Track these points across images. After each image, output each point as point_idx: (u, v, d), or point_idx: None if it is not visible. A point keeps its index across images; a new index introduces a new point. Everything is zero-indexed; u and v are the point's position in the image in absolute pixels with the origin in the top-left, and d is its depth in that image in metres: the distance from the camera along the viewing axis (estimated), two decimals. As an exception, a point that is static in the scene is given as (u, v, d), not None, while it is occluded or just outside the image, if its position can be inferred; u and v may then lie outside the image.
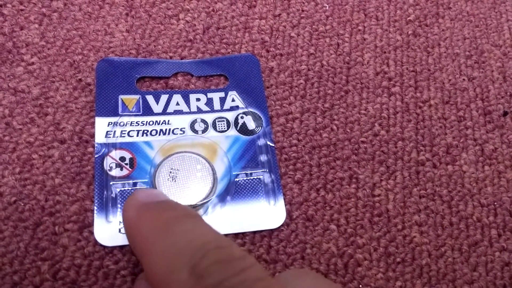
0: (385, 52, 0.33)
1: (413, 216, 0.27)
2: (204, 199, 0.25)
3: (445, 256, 0.26)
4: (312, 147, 0.28)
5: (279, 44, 0.32)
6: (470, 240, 0.26)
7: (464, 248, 0.26)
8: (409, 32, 0.34)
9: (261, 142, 0.28)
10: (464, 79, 0.33)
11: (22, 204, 0.24)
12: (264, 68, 0.31)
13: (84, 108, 0.28)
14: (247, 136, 0.28)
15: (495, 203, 0.28)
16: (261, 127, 0.28)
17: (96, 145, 0.26)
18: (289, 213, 0.26)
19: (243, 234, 0.25)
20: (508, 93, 0.32)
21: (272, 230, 0.26)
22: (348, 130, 0.29)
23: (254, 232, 0.25)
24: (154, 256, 0.16)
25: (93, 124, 0.27)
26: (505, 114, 0.31)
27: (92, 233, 0.24)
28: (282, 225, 0.26)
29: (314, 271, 0.24)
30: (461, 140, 0.30)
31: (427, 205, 0.27)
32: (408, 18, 0.35)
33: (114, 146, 0.26)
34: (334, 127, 0.29)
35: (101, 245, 0.24)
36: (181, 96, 0.29)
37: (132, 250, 0.19)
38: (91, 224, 0.24)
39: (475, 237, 0.27)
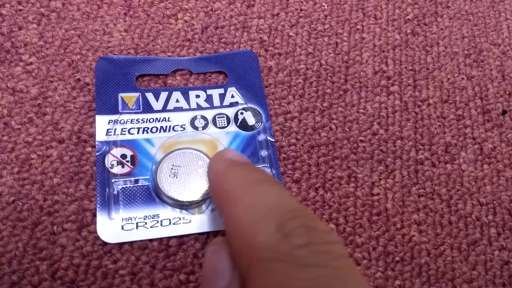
0: (383, 51, 0.33)
1: (412, 215, 0.27)
2: (206, 194, 0.25)
3: (444, 255, 0.26)
4: (311, 146, 0.28)
5: (277, 43, 0.32)
6: (469, 239, 0.26)
7: (463, 247, 0.26)
8: (408, 31, 0.34)
9: (261, 137, 0.28)
10: (463, 78, 0.33)
11: (21, 204, 0.24)
12: (263, 68, 0.31)
13: (82, 107, 0.28)
14: (247, 132, 0.28)
15: (494, 202, 0.28)
16: (261, 122, 0.28)
17: (97, 143, 0.26)
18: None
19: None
20: (507, 92, 0.32)
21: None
22: (347, 129, 0.29)
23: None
24: (242, 206, 0.17)
25: (91, 123, 0.27)
26: (504, 112, 0.31)
27: (91, 232, 0.24)
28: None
29: None
30: (460, 139, 0.30)
31: (426, 204, 0.27)
32: (407, 17, 0.35)
33: (115, 143, 0.26)
34: (333, 126, 0.29)
35: (101, 243, 0.24)
36: (181, 93, 0.29)
37: (214, 201, 0.20)
38: (89, 224, 0.24)
39: (474, 236, 0.27)
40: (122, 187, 0.25)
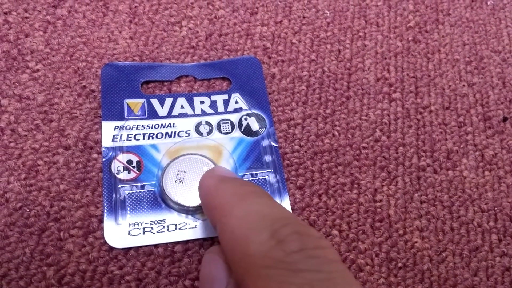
0: (385, 58, 0.33)
1: (414, 221, 0.27)
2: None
3: (446, 261, 0.26)
4: (314, 153, 0.29)
5: (280, 50, 0.33)
6: (470, 245, 0.27)
7: (465, 253, 0.26)
8: (409, 38, 0.35)
9: (265, 143, 0.28)
10: (464, 85, 0.33)
11: (28, 210, 0.25)
12: (266, 74, 0.31)
13: (88, 114, 0.28)
14: (251, 137, 0.28)
15: (496, 209, 0.28)
16: (265, 128, 0.29)
17: (103, 149, 0.26)
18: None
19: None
20: (507, 99, 0.32)
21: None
22: (350, 136, 0.30)
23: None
24: (235, 218, 0.17)
25: (97, 130, 0.28)
26: (504, 119, 0.32)
27: (97, 238, 0.24)
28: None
29: None
30: (462, 146, 0.30)
31: (428, 210, 0.28)
32: (408, 25, 0.36)
33: (121, 149, 0.27)
34: (336, 133, 0.30)
35: (107, 249, 0.24)
36: (185, 99, 0.29)
37: (207, 214, 0.21)
38: (95, 230, 0.25)
39: (475, 242, 0.27)
40: (129, 193, 0.25)
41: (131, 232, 0.24)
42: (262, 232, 0.16)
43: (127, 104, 0.28)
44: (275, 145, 0.28)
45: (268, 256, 0.15)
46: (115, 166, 0.26)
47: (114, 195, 0.25)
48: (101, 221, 0.25)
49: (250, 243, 0.16)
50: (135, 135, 0.27)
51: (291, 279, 0.15)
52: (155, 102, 0.29)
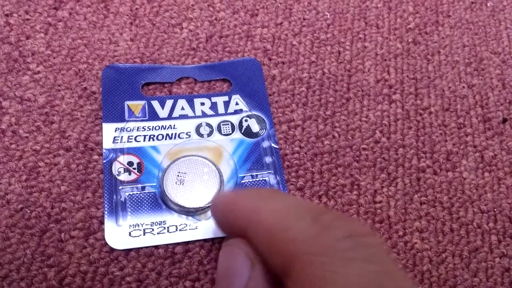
0: (385, 60, 0.34)
1: (414, 222, 0.27)
2: (212, 201, 0.25)
3: (446, 262, 0.26)
4: (314, 154, 0.29)
5: (281, 52, 0.33)
6: (470, 246, 0.27)
7: (464, 254, 0.26)
8: (409, 40, 0.35)
9: (265, 144, 0.28)
10: (463, 87, 0.33)
11: (29, 211, 0.25)
12: (266, 76, 0.31)
13: (89, 116, 0.28)
14: (251, 139, 0.28)
15: (495, 210, 0.28)
16: (265, 129, 0.29)
17: (104, 150, 0.27)
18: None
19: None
20: (507, 100, 0.33)
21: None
22: (350, 137, 0.30)
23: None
24: (268, 212, 0.16)
25: (98, 132, 0.28)
26: (504, 121, 0.32)
27: (97, 239, 0.24)
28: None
29: None
30: (461, 147, 0.30)
31: (428, 211, 0.28)
32: (408, 26, 0.36)
33: (122, 151, 0.27)
34: (336, 134, 0.30)
35: (108, 250, 0.24)
36: (186, 101, 0.29)
37: (229, 226, 0.19)
38: (96, 231, 0.25)
39: (475, 243, 0.27)
40: (129, 194, 0.25)
41: (132, 233, 0.24)
42: (302, 219, 0.15)
43: (128, 106, 0.28)
44: (275, 146, 0.28)
45: (314, 242, 0.14)
46: (116, 167, 0.26)
47: (114, 196, 0.25)
48: (101, 222, 0.25)
49: (293, 229, 0.15)
50: (136, 136, 0.27)
51: (342, 268, 0.14)
52: (155, 103, 0.29)
